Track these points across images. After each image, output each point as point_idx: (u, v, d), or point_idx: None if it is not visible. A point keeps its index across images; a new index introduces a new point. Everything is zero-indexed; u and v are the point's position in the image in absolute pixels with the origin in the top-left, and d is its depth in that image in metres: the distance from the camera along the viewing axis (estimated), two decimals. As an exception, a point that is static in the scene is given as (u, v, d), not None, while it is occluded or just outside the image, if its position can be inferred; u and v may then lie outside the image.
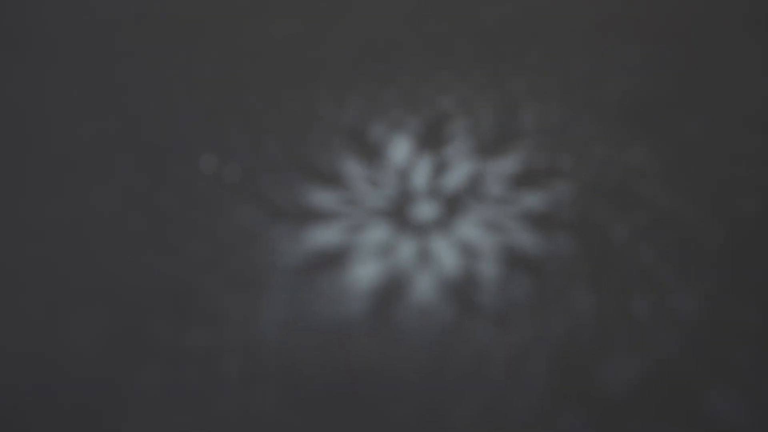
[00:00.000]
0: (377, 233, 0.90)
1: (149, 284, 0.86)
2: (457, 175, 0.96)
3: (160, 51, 1.14)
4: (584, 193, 0.93)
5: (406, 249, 0.88)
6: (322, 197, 0.93)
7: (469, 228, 0.90)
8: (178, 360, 0.79)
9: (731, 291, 0.83)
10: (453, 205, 0.92)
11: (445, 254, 0.88)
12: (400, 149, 0.99)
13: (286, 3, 1.23)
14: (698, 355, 0.78)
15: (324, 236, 0.90)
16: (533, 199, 0.93)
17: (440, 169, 0.96)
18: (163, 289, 0.85)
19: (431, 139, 1.00)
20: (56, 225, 0.92)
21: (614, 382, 0.77)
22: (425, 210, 0.92)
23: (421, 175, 0.96)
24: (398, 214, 0.92)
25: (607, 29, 1.18)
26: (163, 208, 0.93)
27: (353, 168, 0.97)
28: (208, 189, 0.95)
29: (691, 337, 0.79)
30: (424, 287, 0.85)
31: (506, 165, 0.97)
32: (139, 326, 0.82)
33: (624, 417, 0.75)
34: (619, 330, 0.80)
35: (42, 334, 0.82)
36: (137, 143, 1.00)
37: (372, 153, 0.98)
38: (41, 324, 0.83)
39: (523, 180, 0.95)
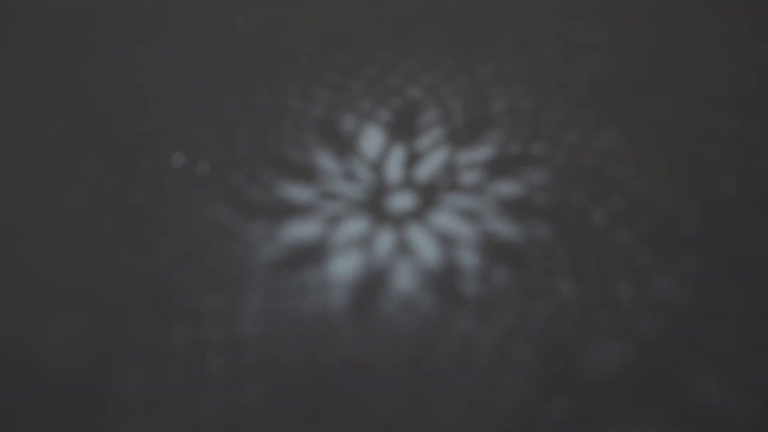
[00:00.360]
0: (354, 226, 0.89)
1: (125, 284, 0.84)
2: (431, 165, 0.95)
3: (123, 46, 1.12)
4: (559, 179, 0.93)
5: (385, 241, 0.88)
6: (296, 191, 0.93)
7: (446, 218, 0.90)
8: (160, 360, 0.78)
9: (712, 272, 0.83)
10: (428, 196, 0.92)
11: (424, 245, 0.87)
12: (372, 141, 0.98)
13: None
14: (682, 338, 0.79)
15: (301, 230, 0.89)
16: (508, 187, 0.93)
17: (413, 159, 0.96)
18: (139, 288, 0.84)
19: (402, 130, 1.00)
20: (25, 226, 0.90)
21: (599, 367, 0.77)
22: (401, 201, 0.91)
23: (394, 167, 0.95)
24: (374, 206, 0.91)
25: (571, 11, 1.18)
26: (135, 206, 0.92)
27: (326, 161, 0.96)
28: (179, 185, 0.93)
29: (673, 319, 0.80)
30: (404, 278, 0.84)
31: (479, 153, 0.96)
32: (118, 327, 0.81)
33: (609, 402, 0.75)
34: (602, 315, 0.81)
35: (18, 338, 0.80)
36: (105, 141, 0.99)
37: (344, 145, 0.98)
38: (16, 328, 0.81)
39: (497, 168, 0.95)
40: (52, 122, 1.01)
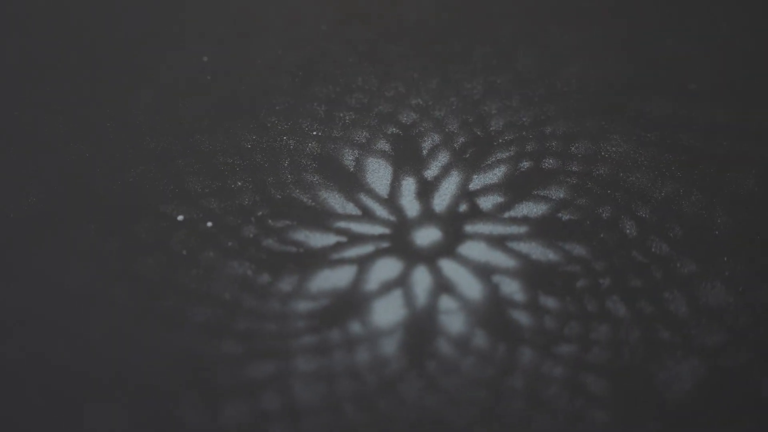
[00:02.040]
0: (386, 268, 0.85)
1: (159, 362, 0.78)
2: (447, 194, 0.92)
3: (89, 100, 1.05)
4: (579, 193, 0.91)
5: (422, 280, 0.84)
6: (315, 237, 0.88)
7: (478, 247, 0.87)
8: (219, 442, 0.73)
9: (758, 273, 0.82)
10: (453, 226, 0.89)
11: (463, 279, 0.84)
12: (377, 175, 0.94)
13: (209, 31, 1.15)
14: (744, 343, 0.78)
15: (332, 279, 0.84)
16: (531, 207, 0.90)
17: (427, 190, 0.92)
18: (177, 364, 0.78)
19: (406, 159, 0.96)
20: (31, 312, 0.83)
21: (672, 387, 0.75)
22: (427, 236, 0.88)
23: (410, 200, 0.91)
24: (401, 245, 0.87)
25: (542, 16, 1.16)
26: (146, 274, 0.85)
27: (337, 201, 0.91)
28: (187, 244, 0.87)
29: (733, 327, 0.79)
30: (452, 317, 0.81)
31: (492, 176, 0.93)
32: (163, 411, 0.75)
33: (691, 422, 0.73)
34: (662, 332, 0.79)
35: (55, 438, 0.74)
36: (93, 205, 0.92)
37: (351, 182, 0.93)
38: (52, 425, 0.74)
39: (514, 188, 0.92)
40: (30, 188, 0.93)
